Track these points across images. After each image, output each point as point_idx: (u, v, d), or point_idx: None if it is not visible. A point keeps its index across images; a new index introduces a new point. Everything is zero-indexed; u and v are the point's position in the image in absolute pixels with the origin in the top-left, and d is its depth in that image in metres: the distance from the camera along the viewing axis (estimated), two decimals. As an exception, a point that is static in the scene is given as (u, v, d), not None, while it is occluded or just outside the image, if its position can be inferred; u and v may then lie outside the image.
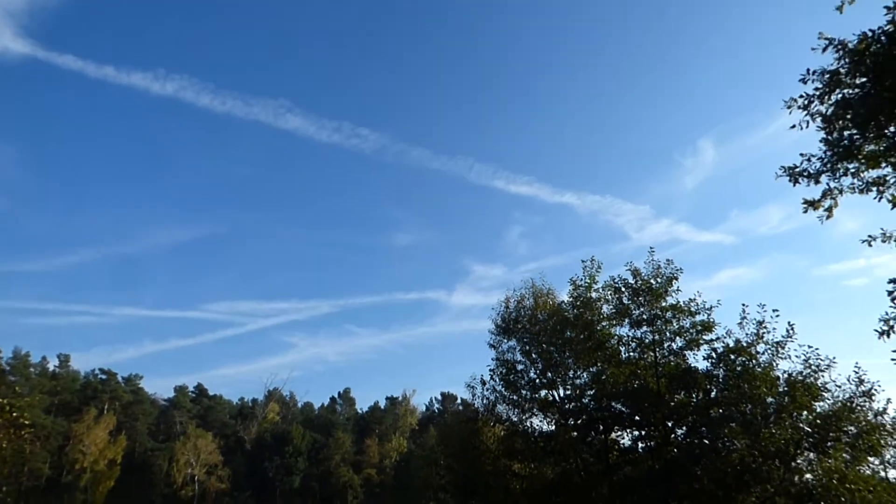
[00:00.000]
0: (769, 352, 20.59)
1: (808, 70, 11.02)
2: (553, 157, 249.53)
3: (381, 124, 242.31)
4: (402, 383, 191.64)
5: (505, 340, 27.44)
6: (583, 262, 25.42)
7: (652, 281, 23.31)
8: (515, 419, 26.47)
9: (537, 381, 25.68)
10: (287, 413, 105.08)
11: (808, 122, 11.46)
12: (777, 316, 20.66)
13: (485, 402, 27.10)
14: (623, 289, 23.89)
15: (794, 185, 11.85)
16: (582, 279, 25.30)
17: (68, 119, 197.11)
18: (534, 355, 25.87)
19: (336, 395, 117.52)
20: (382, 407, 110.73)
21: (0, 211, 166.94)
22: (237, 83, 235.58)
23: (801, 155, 11.63)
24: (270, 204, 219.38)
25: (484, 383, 27.16)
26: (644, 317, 23.19)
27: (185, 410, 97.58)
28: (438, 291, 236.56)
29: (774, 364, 20.34)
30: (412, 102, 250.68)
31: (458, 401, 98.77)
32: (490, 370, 27.19)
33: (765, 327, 20.80)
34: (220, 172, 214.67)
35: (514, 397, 26.23)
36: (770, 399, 19.72)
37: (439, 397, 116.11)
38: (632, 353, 23.94)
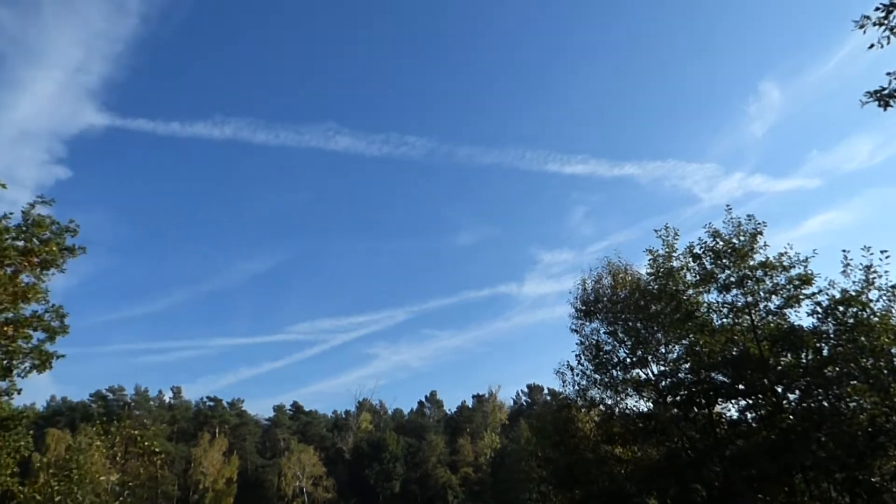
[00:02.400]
0: (884, 298, 18.74)
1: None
2: (604, 130, 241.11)
3: (426, 129, 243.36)
4: (486, 380, 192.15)
5: (587, 323, 26.70)
6: (656, 231, 24.29)
7: (734, 240, 21.87)
8: (610, 402, 25.68)
9: (628, 360, 24.78)
10: (379, 421, 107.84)
11: (888, 38, 10.26)
12: (887, 258, 18.76)
13: (576, 387, 26.47)
14: (704, 253, 22.58)
15: (885, 110, 10.64)
16: (659, 249, 24.16)
17: (148, 175, 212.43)
18: (620, 334, 24.99)
19: (423, 399, 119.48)
20: (470, 406, 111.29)
21: (106, 267, 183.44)
22: (286, 115, 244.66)
23: (888, 74, 10.41)
24: (335, 223, 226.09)
25: (572, 368, 26.55)
26: (732, 279, 21.78)
27: (286, 427, 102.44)
28: (509, 284, 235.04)
29: (893, 311, 18.48)
30: (453, 101, 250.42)
31: (546, 391, 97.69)
32: (576, 355, 26.56)
33: (874, 272, 18.93)
34: (284, 201, 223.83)
35: (606, 379, 25.44)
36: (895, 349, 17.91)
37: (525, 390, 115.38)
38: (725, 320, 22.56)
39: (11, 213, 16.04)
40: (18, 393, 16.79)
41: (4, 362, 15.71)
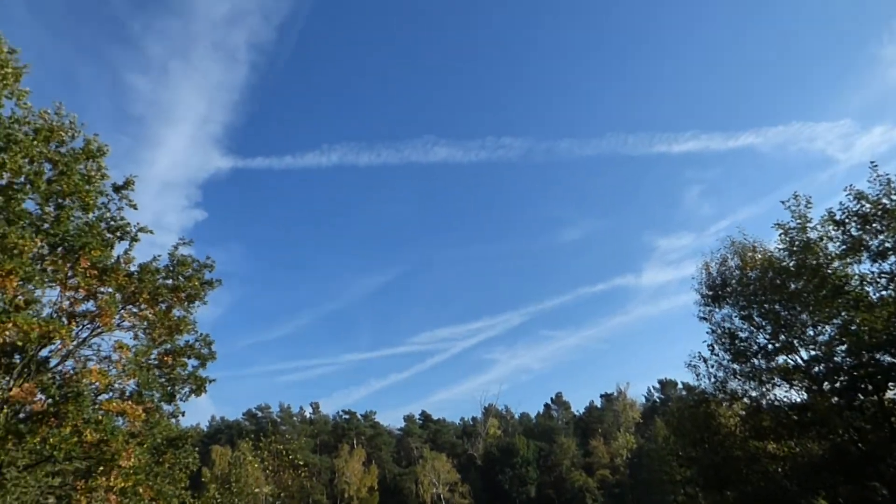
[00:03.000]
0: None
1: None
2: (712, 102, 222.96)
3: (521, 128, 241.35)
4: (613, 378, 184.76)
5: (716, 309, 24.59)
6: (783, 202, 21.80)
7: (885, 200, 19.01)
8: (755, 394, 23.35)
9: (770, 346, 22.40)
10: (507, 426, 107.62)
11: None
12: None
13: (712, 380, 24.43)
14: (848, 219, 19.86)
15: None
16: (790, 222, 21.65)
17: (270, 208, 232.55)
18: (756, 318, 22.69)
19: (549, 401, 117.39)
20: (599, 406, 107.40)
21: (242, 295, 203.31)
22: (385, 134, 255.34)
23: None
24: (443, 232, 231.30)
25: (705, 360, 24.55)
26: (888, 245, 18.93)
27: (417, 436, 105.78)
28: (626, 276, 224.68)
29: None
30: (545, 96, 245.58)
31: (680, 386, 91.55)
32: (708, 345, 24.53)
33: None
34: (392, 216, 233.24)
35: (747, 369, 23.20)
36: None
37: (657, 385, 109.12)
38: (884, 292, 19.61)
39: (160, 256, 18.21)
40: (182, 415, 18.99)
41: (168, 389, 17.82)
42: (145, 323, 17.36)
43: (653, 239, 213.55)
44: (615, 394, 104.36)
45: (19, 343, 13.82)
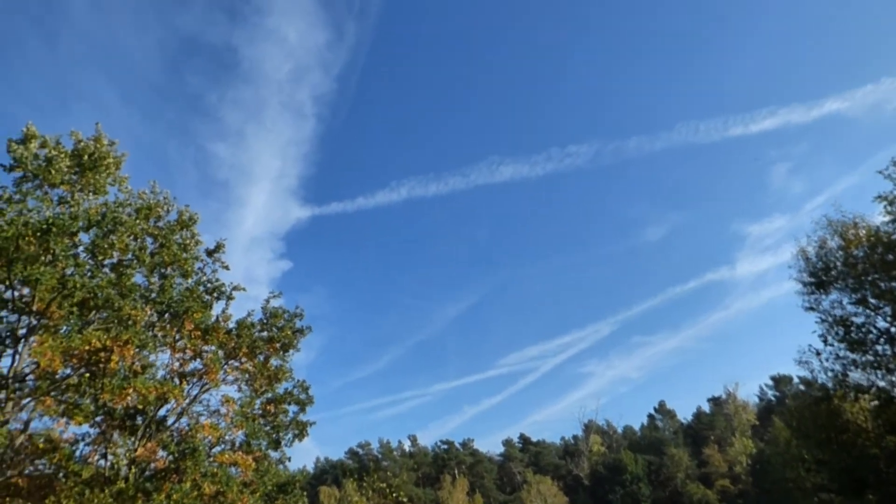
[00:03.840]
0: None
1: None
2: (785, 70, 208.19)
3: (585, 134, 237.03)
4: (720, 379, 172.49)
5: (823, 296, 22.62)
6: (880, 172, 19.91)
7: None
8: (883, 384, 21.11)
9: (893, 329, 20.27)
10: (610, 441, 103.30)
11: None
12: None
13: (829, 374, 22.36)
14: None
15: None
16: (894, 190, 19.71)
17: (349, 249, 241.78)
18: (871, 300, 20.65)
19: (653, 411, 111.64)
20: (707, 410, 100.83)
21: (332, 336, 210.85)
22: (450, 162, 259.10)
23: None
24: (518, 250, 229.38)
25: (818, 353, 22.54)
26: None
27: (518, 461, 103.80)
28: (719, 270, 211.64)
29: None
30: (604, 96, 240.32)
31: (796, 380, 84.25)
32: (820, 336, 22.54)
33: None
34: (467, 242, 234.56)
35: (870, 358, 21.06)
36: None
37: (770, 383, 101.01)
38: None
39: (253, 311, 19.47)
40: (289, 460, 19.93)
41: (273, 436, 18.80)
42: (247, 375, 18.53)
43: (742, 226, 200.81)
44: (724, 396, 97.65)
45: (140, 406, 15.13)
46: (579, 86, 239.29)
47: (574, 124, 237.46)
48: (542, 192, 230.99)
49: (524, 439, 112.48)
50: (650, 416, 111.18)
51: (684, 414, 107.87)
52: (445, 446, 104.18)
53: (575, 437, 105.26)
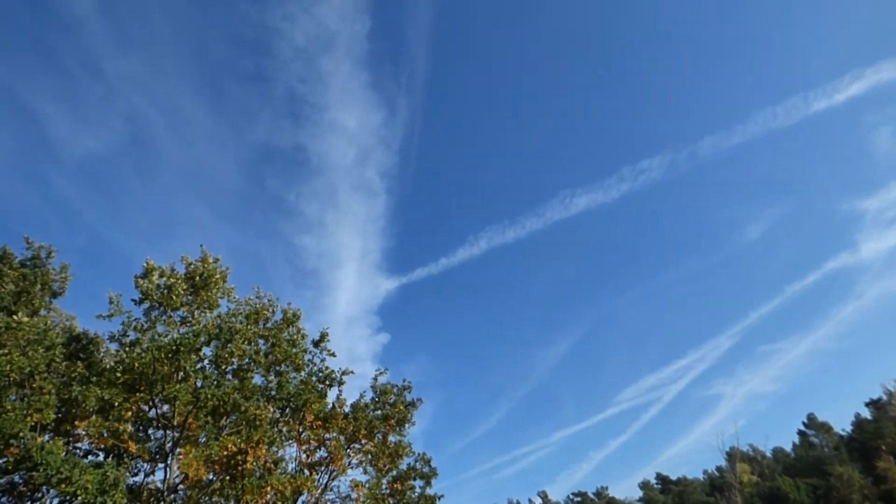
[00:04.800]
0: None
1: None
2: (866, 28, 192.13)
3: (653, 146, 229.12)
4: (874, 379, 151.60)
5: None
6: None
7: None
8: None
9: None
10: (761, 468, 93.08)
11: None
12: None
13: None
14: None
15: None
16: None
17: (441, 311, 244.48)
18: None
19: (802, 427, 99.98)
20: (869, 417, 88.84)
21: (442, 400, 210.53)
22: (524, 204, 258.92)
23: None
24: (612, 280, 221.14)
25: None
26: None
27: (660, 503, 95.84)
28: (839, 256, 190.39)
29: None
30: (664, 101, 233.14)
31: (972, 367, 72.64)
32: None
33: None
34: (557, 280, 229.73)
35: None
36: None
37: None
38: None
39: (364, 392, 20.07)
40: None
41: (404, 514, 18.82)
42: (369, 456, 18.90)
43: (855, 204, 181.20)
44: (884, 398, 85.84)
45: (279, 502, 15.78)
46: (637, 97, 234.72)
47: (640, 138, 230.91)
48: (623, 215, 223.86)
49: (662, 479, 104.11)
50: (801, 433, 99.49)
51: (842, 425, 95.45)
52: (579, 499, 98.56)
53: (719, 469, 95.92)
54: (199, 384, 16.52)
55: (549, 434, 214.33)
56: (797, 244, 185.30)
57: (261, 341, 19.32)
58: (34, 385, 13.95)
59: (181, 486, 15.99)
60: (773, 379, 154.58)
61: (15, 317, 13.96)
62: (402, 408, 19.92)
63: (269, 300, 20.20)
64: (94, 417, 15.46)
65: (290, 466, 17.87)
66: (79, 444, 16.94)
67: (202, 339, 16.15)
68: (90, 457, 16.98)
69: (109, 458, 16.21)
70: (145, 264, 18.46)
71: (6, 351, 13.10)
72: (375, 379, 20.63)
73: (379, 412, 19.81)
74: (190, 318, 18.08)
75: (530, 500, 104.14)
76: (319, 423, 17.56)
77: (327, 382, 19.21)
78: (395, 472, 19.26)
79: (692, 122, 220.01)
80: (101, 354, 18.25)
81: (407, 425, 20.14)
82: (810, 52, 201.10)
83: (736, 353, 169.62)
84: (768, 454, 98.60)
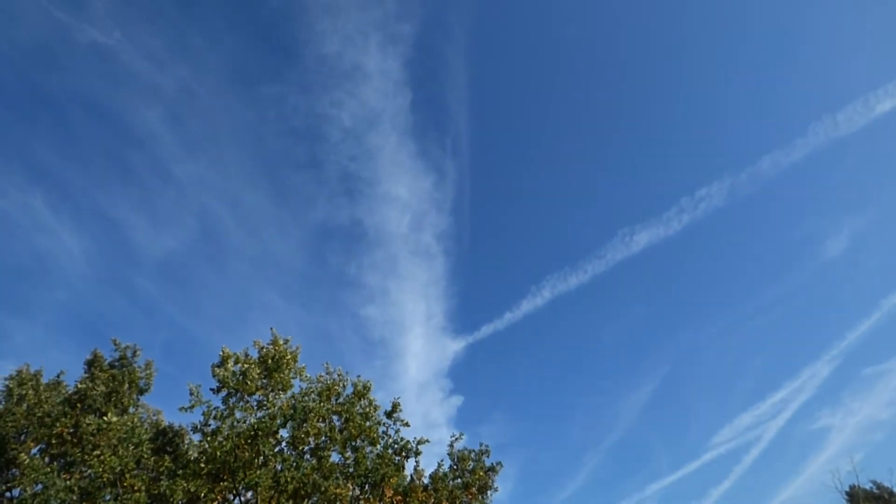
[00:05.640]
0: None
1: None
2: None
3: (709, 171, 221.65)
4: None
5: None
6: None
7: None
8: None
9: None
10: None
11: None
12: None
13: None
14: None
15: None
16: None
17: (512, 366, 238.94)
18: None
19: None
20: None
21: (524, 460, 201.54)
22: (582, 249, 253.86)
23: None
24: (690, 316, 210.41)
25: None
26: None
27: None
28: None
29: None
30: (717, 123, 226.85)
31: None
32: None
33: None
34: (627, 323, 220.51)
35: None
36: None
37: None
38: None
39: (442, 461, 19.50)
40: None
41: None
42: (455, 528, 18.11)
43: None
44: None
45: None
46: (687, 124, 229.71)
47: (694, 166, 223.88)
48: (687, 248, 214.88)
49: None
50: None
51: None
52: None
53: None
54: (278, 468, 16.62)
55: (642, 487, 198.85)
56: (886, 252, 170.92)
57: (335, 417, 19.33)
58: (125, 483, 14.44)
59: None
60: (887, 404, 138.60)
61: (105, 418, 14.70)
62: (482, 474, 19.18)
63: (338, 375, 20.35)
64: (182, 510, 15.74)
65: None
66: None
67: (278, 421, 16.37)
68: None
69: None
70: (221, 352, 19.19)
71: (98, 452, 13.71)
72: (452, 445, 20.07)
73: (459, 480, 19.13)
74: (265, 402, 18.43)
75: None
76: (400, 498, 17.13)
77: (404, 454, 18.84)
78: (484, 544, 18.33)
79: (748, 143, 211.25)
80: (186, 446, 18.79)
81: (489, 492, 19.30)
82: (864, 53, 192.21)
83: (838, 379, 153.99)
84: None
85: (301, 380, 19.98)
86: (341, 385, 20.12)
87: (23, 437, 18.01)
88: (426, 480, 18.78)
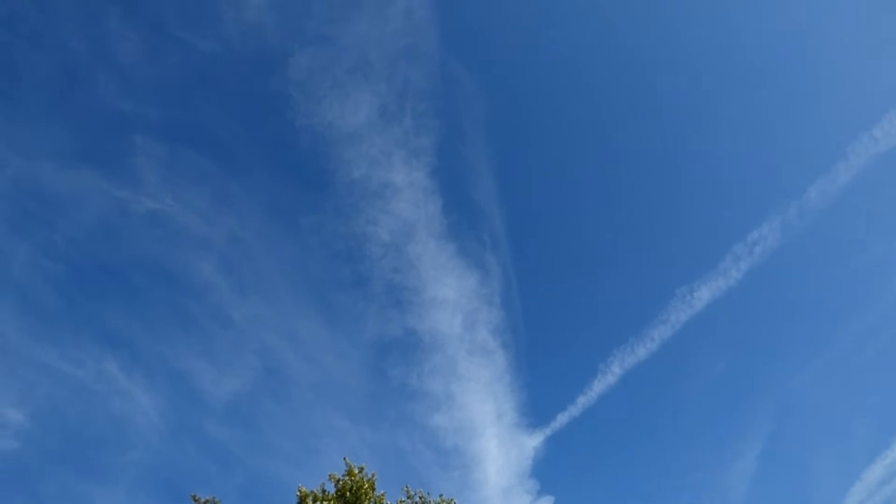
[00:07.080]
0: None
1: None
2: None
3: (756, 214, 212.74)
4: None
5: None
6: None
7: None
8: None
9: None
10: None
11: None
12: None
13: None
14: None
15: None
16: None
17: (595, 453, 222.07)
18: None
19: None
20: None
21: None
22: (643, 318, 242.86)
23: None
24: (772, 369, 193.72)
25: None
26: None
27: None
28: None
29: None
30: (755, 161, 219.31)
31: None
32: None
33: None
34: (709, 385, 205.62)
35: None
36: None
37: None
38: None
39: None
40: None
41: None
42: None
43: None
44: None
45: None
46: (726, 171, 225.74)
47: (739, 209, 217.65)
48: (754, 294, 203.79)
49: None
50: None
51: None
52: None
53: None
54: None
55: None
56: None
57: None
58: None
59: None
60: None
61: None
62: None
63: (420, 497, 19.32)
64: None
65: None
66: None
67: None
68: None
69: None
70: (298, 492, 18.51)
71: None
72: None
73: None
74: (355, 539, 17.51)
75: None
76: None
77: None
78: None
79: (789, 177, 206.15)
80: None
81: None
82: (885, 62, 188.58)
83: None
84: None
85: (379, 509, 19.02)
86: (422, 508, 19.01)
87: None
88: None
